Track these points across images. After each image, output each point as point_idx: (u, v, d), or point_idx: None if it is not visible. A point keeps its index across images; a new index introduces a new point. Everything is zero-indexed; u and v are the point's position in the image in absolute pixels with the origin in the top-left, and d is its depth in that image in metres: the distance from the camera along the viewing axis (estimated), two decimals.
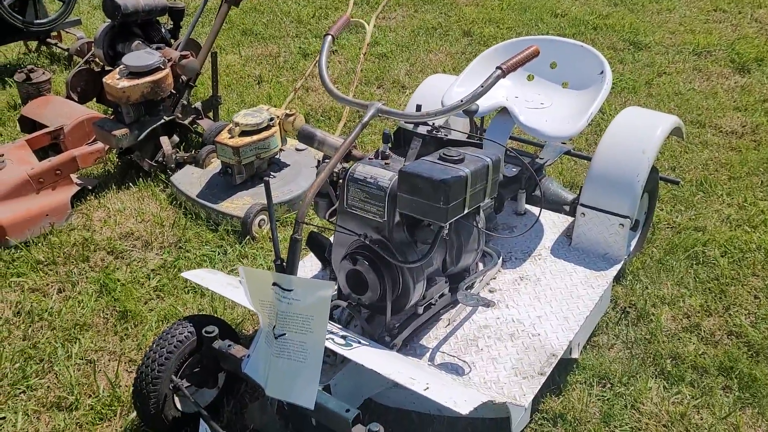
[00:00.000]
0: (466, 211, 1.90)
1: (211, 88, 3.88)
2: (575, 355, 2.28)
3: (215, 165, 3.53)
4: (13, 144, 3.39)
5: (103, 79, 3.37)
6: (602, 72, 2.61)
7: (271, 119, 3.29)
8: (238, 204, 3.20)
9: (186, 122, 3.73)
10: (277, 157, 3.47)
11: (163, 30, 4.00)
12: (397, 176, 1.93)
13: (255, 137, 3.22)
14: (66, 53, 4.94)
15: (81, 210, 3.32)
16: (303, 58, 5.14)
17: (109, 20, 3.80)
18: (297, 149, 3.62)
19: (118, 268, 2.90)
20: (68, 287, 2.81)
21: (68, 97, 3.97)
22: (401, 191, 1.87)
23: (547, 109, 2.63)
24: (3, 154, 3.24)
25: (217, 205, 3.19)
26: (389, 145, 2.10)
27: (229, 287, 2.09)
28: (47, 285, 2.82)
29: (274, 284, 1.72)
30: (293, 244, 1.76)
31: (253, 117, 3.25)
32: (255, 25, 5.75)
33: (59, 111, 3.73)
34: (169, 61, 3.48)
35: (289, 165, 3.48)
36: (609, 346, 2.45)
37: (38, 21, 4.67)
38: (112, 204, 3.35)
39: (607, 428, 2.14)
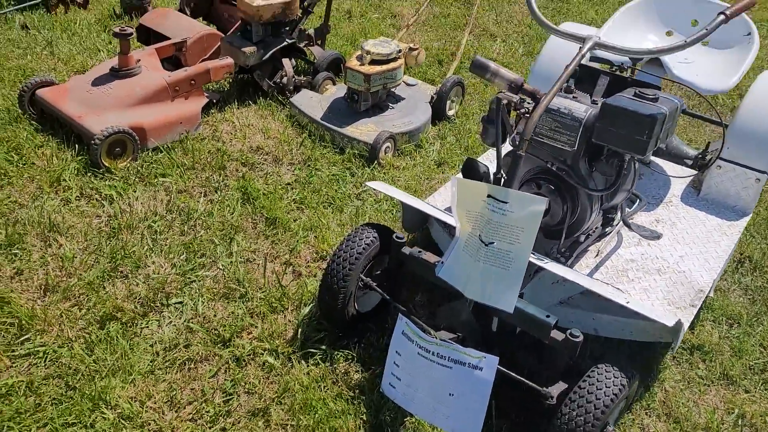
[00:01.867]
0: (657, 146, 2.05)
1: (323, 17, 3.97)
2: (711, 294, 2.47)
3: (331, 91, 3.63)
4: (144, 51, 3.47)
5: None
6: (749, 33, 2.74)
7: (399, 51, 3.39)
8: (363, 130, 3.32)
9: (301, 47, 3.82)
10: (393, 89, 3.58)
11: None
12: (591, 109, 2.07)
13: (384, 67, 3.32)
14: None
15: (207, 122, 3.43)
16: None
17: None
18: (408, 84, 3.72)
19: (254, 179, 3.04)
20: (210, 191, 2.95)
21: (180, 11, 4.03)
22: (603, 123, 2.01)
23: (691, 64, 2.76)
24: (140, 60, 3.32)
25: (344, 129, 3.31)
26: (572, 80, 2.23)
27: (411, 198, 2.24)
28: (191, 187, 2.95)
29: (489, 196, 1.87)
30: (516, 159, 1.90)
31: (382, 47, 3.34)
32: None
33: (178, 24, 3.80)
34: None
35: (404, 98, 3.60)
36: (730, 291, 2.64)
37: None
38: (237, 119, 3.46)
39: (740, 361, 2.34)
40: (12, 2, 4.30)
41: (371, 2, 5.03)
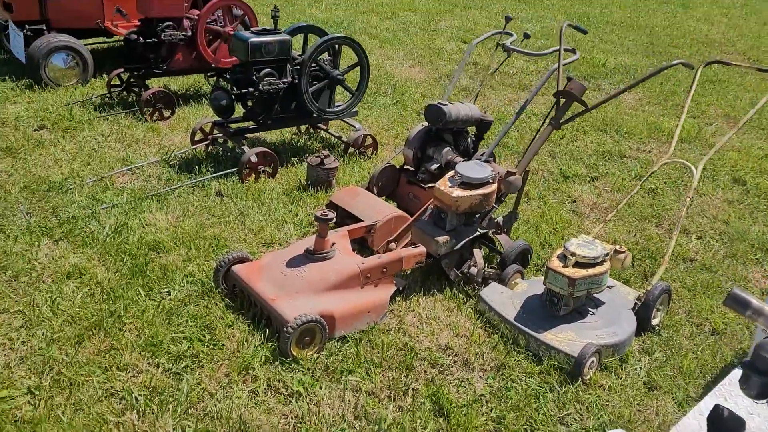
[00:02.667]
0: None
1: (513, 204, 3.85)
2: None
3: (522, 287, 3.42)
4: (338, 233, 3.46)
5: (436, 184, 3.40)
6: None
7: (606, 254, 3.15)
8: (562, 338, 3.03)
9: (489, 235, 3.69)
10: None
11: (468, 139, 4.07)
12: None
13: (590, 271, 3.08)
14: (341, 141, 5.14)
15: (393, 310, 3.29)
16: None
17: (428, 123, 3.91)
18: (608, 286, 3.44)
19: (444, 385, 2.80)
20: (399, 395, 2.73)
21: (368, 188, 4.07)
22: None
23: None
24: (334, 243, 3.30)
25: (541, 335, 3.04)
26: None
27: None
28: (379, 389, 2.75)
29: None
30: None
31: (588, 249, 3.12)
32: None
33: (367, 203, 3.81)
34: (497, 175, 3.48)
35: (604, 303, 3.30)
36: None
37: (329, 109, 4.91)
38: (423, 310, 3.30)
39: None
40: (209, 170, 4.54)
41: (549, 185, 4.90)
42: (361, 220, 3.72)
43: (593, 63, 8.03)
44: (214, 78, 6.30)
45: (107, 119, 5.32)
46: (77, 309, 3.10)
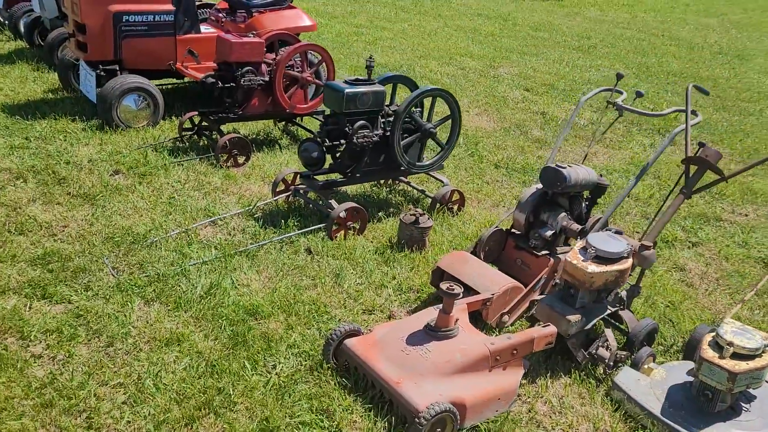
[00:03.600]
0: None
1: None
2: None
3: (659, 374, 3.10)
4: (456, 305, 3.19)
5: (566, 257, 3.13)
6: None
7: (766, 345, 2.84)
8: None
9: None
10: None
11: (583, 204, 3.80)
12: None
13: (751, 364, 2.77)
14: (425, 196, 4.90)
15: (520, 395, 2.99)
16: None
17: (544, 187, 3.66)
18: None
19: None
20: None
21: (474, 252, 3.80)
22: None
23: None
24: (458, 319, 3.03)
25: None
26: None
27: None
28: None
29: None
30: None
31: (746, 338, 2.82)
32: None
33: (477, 271, 3.54)
34: (631, 248, 3.21)
35: (755, 396, 2.98)
36: None
37: (419, 163, 4.69)
38: (553, 396, 3.00)
39: None
40: (295, 224, 4.31)
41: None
42: (470, 289, 3.46)
43: (665, 118, 7.76)
44: (284, 123, 6.14)
45: (182, 165, 5.13)
46: (182, 384, 2.84)
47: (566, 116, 7.48)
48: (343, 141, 4.33)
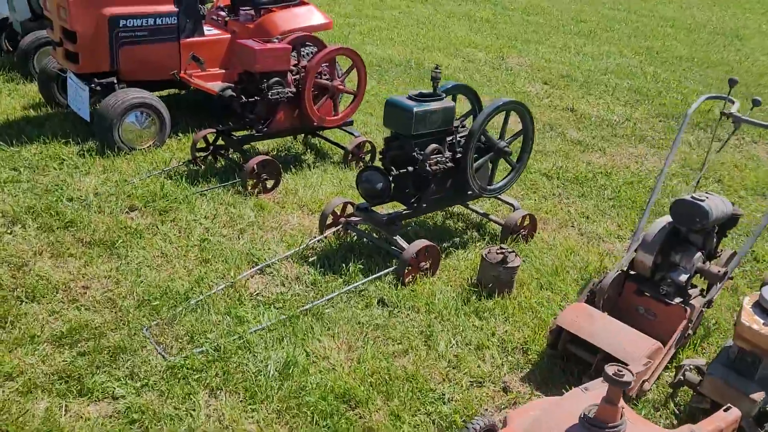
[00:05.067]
0: None
1: None
2: None
3: None
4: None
5: (741, 320, 2.57)
6: None
7: None
8: None
9: None
10: None
11: (714, 239, 3.26)
12: None
13: None
14: (490, 221, 4.30)
15: None
16: None
17: (677, 224, 3.09)
18: None
19: None
20: None
21: (590, 301, 3.22)
22: None
23: None
24: (623, 407, 2.44)
25: None
26: None
27: None
28: None
29: None
30: None
31: None
32: None
33: (610, 331, 2.95)
34: None
35: None
36: None
37: (490, 186, 4.08)
38: None
39: None
40: (358, 269, 3.66)
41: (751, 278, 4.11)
42: (597, 350, 2.88)
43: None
44: (304, 135, 5.45)
45: (204, 195, 4.41)
46: None
47: (598, 113, 6.95)
48: (411, 168, 3.68)
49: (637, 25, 12.18)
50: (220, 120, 5.06)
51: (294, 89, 4.76)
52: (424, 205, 3.85)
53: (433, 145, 3.63)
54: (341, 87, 4.96)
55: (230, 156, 4.94)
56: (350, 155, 5.05)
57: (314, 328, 3.21)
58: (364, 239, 4.00)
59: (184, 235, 3.95)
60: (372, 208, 3.86)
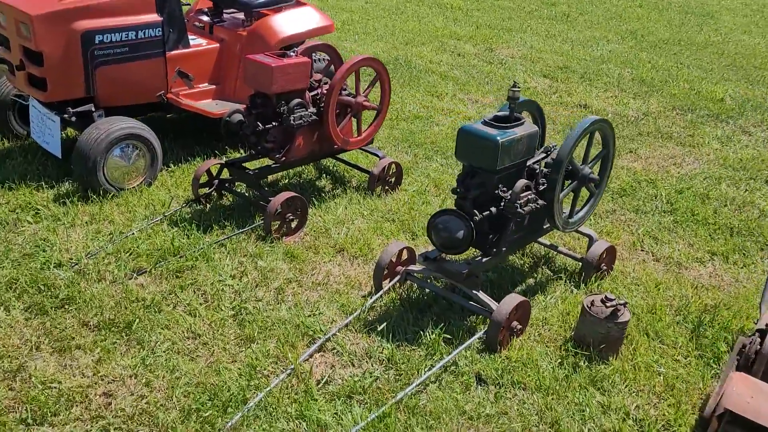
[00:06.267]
0: None
1: None
2: None
3: None
4: None
5: None
6: None
7: None
8: None
9: None
10: None
11: None
12: None
13: None
14: (566, 255, 3.72)
15: None
16: None
17: None
18: None
19: None
20: None
21: (741, 366, 2.68)
22: None
23: None
24: None
25: None
26: None
27: None
28: None
29: None
30: None
31: None
32: None
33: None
34: None
35: None
36: None
37: (572, 220, 3.49)
38: None
39: None
40: (442, 341, 3.02)
41: None
42: None
43: (708, 97, 6.92)
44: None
45: (223, 246, 3.66)
46: None
47: (614, 109, 6.46)
48: (494, 209, 3.05)
49: (607, 6, 11.81)
50: (215, 146, 4.30)
51: (314, 109, 4.03)
52: (504, 249, 3.23)
53: (523, 182, 3.00)
54: (367, 103, 4.26)
55: (235, 188, 4.18)
56: (377, 180, 4.37)
57: (413, 426, 2.56)
58: (427, 289, 3.37)
59: (213, 304, 3.21)
60: (443, 256, 3.22)
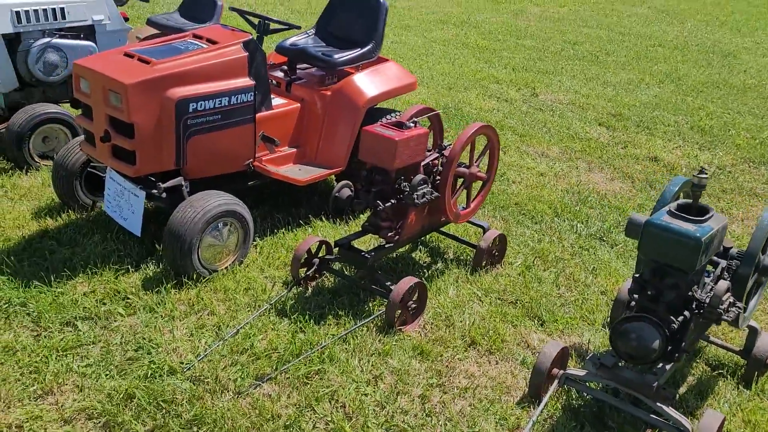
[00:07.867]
0: None
1: None
2: None
3: None
4: None
5: None
6: None
7: None
8: None
9: None
10: None
11: None
12: None
13: None
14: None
15: None
16: None
17: None
18: None
19: None
20: None
21: None
22: None
23: None
24: None
25: None
26: None
27: None
28: None
29: None
30: None
31: None
32: None
33: None
34: None
35: None
36: None
37: (746, 314, 3.16)
38: None
39: None
40: None
41: None
42: None
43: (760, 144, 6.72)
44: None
45: (346, 342, 3.25)
46: None
47: (686, 162, 6.21)
48: (687, 314, 2.71)
49: (627, 45, 11.71)
50: (296, 214, 3.91)
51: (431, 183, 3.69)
52: (682, 354, 2.87)
53: (725, 283, 2.68)
54: (480, 174, 3.92)
55: (333, 266, 3.79)
56: (484, 254, 4.01)
57: None
58: (586, 394, 3.01)
59: (359, 421, 2.81)
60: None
